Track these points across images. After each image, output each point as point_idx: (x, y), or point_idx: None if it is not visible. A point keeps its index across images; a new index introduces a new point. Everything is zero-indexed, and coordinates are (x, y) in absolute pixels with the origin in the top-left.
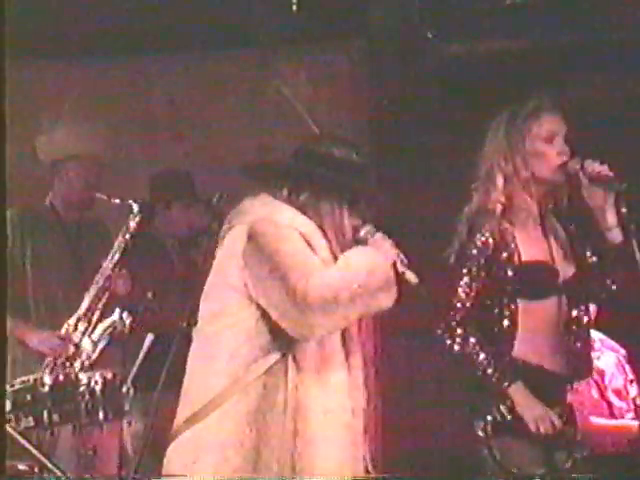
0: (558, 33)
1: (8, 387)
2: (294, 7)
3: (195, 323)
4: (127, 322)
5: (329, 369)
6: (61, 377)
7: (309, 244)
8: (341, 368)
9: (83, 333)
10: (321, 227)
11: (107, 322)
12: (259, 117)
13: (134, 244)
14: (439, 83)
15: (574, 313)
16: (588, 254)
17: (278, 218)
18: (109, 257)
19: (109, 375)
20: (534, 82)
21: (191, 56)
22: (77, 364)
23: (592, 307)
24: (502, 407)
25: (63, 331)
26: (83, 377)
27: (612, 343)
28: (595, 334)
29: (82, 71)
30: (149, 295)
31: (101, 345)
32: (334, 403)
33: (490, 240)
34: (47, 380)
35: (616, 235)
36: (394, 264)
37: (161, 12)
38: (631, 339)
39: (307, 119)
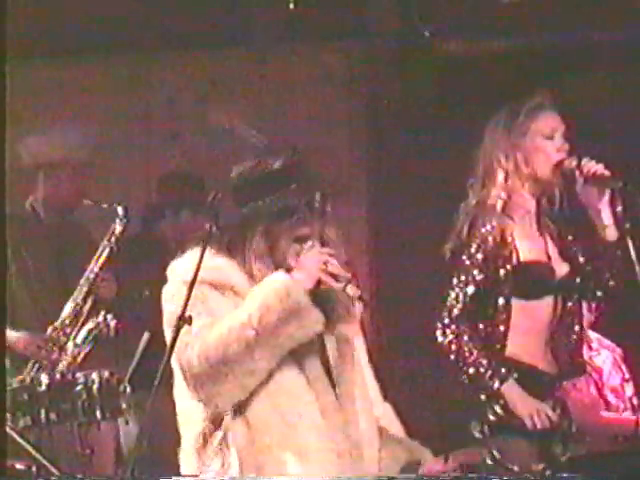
0: (557, 32)
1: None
2: (291, 5)
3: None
4: (112, 324)
5: None
6: (58, 376)
7: (225, 288)
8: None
9: (68, 336)
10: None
11: (91, 324)
12: (258, 117)
13: (120, 247)
14: (437, 82)
15: (569, 312)
16: (581, 252)
17: (185, 276)
18: (94, 260)
19: (106, 374)
20: (533, 81)
21: (191, 56)
22: (61, 367)
23: (586, 306)
24: (496, 406)
25: (47, 334)
26: (80, 376)
27: (608, 342)
28: (592, 334)
29: (81, 71)
30: (146, 293)
31: (86, 348)
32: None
33: (490, 237)
34: (44, 379)
35: (611, 233)
36: (318, 281)
37: (161, 11)
38: (627, 338)
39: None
